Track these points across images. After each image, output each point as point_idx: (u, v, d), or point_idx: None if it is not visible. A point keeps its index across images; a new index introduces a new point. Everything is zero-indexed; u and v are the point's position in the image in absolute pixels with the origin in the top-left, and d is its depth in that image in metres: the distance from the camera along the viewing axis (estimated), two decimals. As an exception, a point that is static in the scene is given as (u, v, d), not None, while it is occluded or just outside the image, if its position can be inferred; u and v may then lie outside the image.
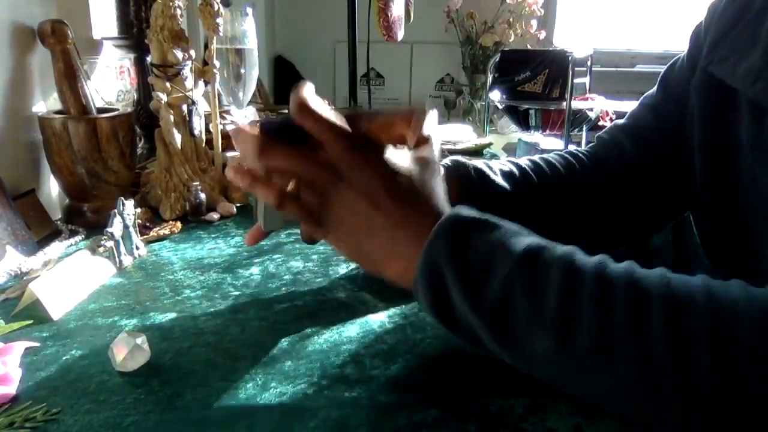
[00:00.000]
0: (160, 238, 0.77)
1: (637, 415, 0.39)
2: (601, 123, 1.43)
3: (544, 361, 0.38)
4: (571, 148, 0.75)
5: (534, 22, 2.05)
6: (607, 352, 0.36)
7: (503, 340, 0.40)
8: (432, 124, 0.50)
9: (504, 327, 0.39)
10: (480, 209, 0.44)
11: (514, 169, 0.64)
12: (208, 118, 0.96)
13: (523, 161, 0.66)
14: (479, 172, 0.61)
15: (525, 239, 0.41)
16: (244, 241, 0.51)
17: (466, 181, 0.60)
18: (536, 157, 0.68)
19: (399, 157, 0.45)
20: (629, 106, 0.71)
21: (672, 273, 0.38)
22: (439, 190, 0.47)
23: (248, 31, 0.96)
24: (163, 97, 0.86)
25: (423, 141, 0.48)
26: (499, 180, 0.61)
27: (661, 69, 0.68)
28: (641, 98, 0.69)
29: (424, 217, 0.43)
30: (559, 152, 0.69)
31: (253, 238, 0.54)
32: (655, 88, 0.68)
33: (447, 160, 0.64)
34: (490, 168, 0.63)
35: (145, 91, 1.15)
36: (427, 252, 0.41)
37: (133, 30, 1.11)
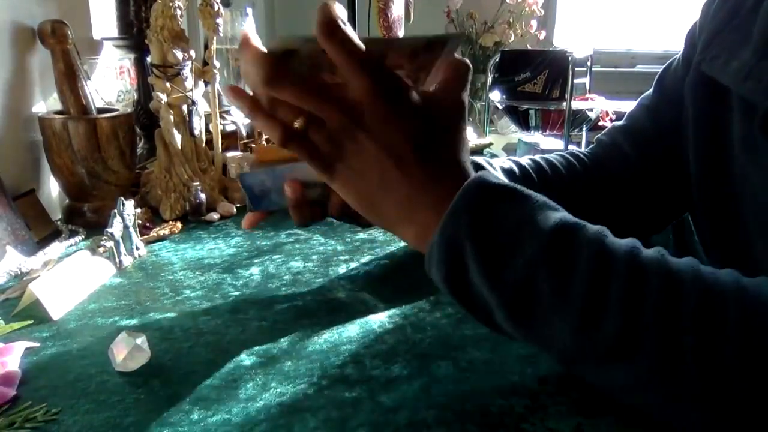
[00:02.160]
0: (160, 238, 0.77)
1: (652, 409, 0.38)
2: (601, 123, 1.43)
3: (563, 344, 0.37)
4: (572, 148, 0.75)
5: (534, 22, 2.05)
6: (632, 342, 0.34)
7: (522, 320, 0.38)
8: (463, 60, 0.43)
9: (525, 307, 0.37)
10: None
11: (515, 167, 0.64)
12: (208, 118, 0.96)
13: (524, 160, 0.66)
14: (478, 167, 0.61)
15: (554, 215, 0.38)
16: (243, 225, 0.49)
17: None
18: (537, 157, 0.68)
19: (430, 105, 0.40)
20: (629, 106, 0.71)
21: (702, 266, 0.36)
22: (464, 143, 0.42)
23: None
24: (163, 97, 0.86)
25: (454, 75, 0.42)
26: (499, 176, 0.61)
27: (661, 69, 0.68)
28: (639, 99, 0.69)
29: (449, 180, 0.39)
30: (560, 152, 0.69)
31: (248, 221, 0.51)
32: (651, 88, 0.68)
33: None
34: (490, 164, 0.62)
35: (145, 91, 1.15)
36: (447, 222, 0.38)
37: (133, 30, 1.11)
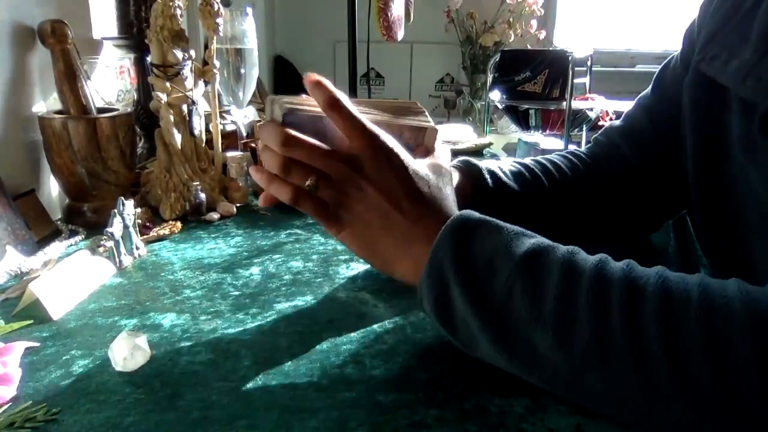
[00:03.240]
0: (160, 238, 0.77)
1: (630, 416, 0.38)
2: (601, 123, 1.43)
3: (542, 361, 0.38)
4: (572, 148, 0.76)
5: (534, 22, 2.05)
6: (603, 352, 0.36)
7: (503, 341, 0.40)
8: (440, 139, 0.53)
9: (504, 327, 0.39)
10: (491, 209, 0.46)
11: (523, 170, 0.65)
12: (208, 118, 0.96)
13: (530, 162, 0.67)
14: (491, 172, 0.63)
15: (528, 240, 0.42)
16: (259, 203, 0.51)
17: (479, 181, 0.62)
18: (541, 158, 0.68)
19: (418, 162, 0.47)
20: (629, 106, 0.71)
21: (669, 272, 0.38)
22: (452, 195, 0.49)
23: (248, 31, 0.96)
24: (163, 97, 0.86)
25: (437, 152, 0.52)
26: (510, 181, 0.63)
27: (658, 69, 0.68)
28: (637, 98, 0.69)
29: (437, 218, 0.45)
30: (561, 153, 0.70)
31: (265, 198, 0.52)
32: (649, 88, 0.68)
33: (456, 161, 0.65)
34: (501, 169, 0.64)
35: (145, 91, 1.15)
36: (433, 253, 0.43)
37: (133, 30, 1.11)
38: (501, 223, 0.44)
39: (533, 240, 0.42)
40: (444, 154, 0.52)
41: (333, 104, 0.44)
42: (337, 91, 0.45)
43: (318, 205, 0.46)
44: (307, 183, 0.46)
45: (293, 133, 0.45)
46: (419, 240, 0.45)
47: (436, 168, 0.49)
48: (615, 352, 0.35)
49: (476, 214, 0.44)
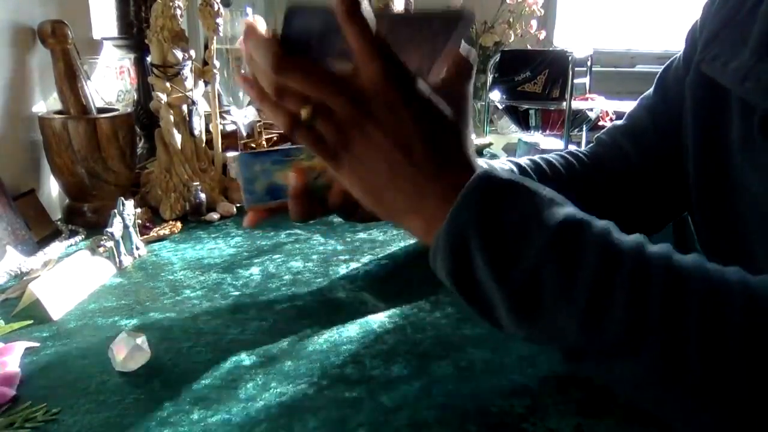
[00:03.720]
0: (160, 238, 0.77)
1: (655, 408, 0.38)
2: (601, 123, 1.43)
3: (569, 339, 0.37)
4: (572, 148, 0.75)
5: (534, 22, 2.05)
6: (636, 338, 0.34)
7: (526, 315, 0.37)
8: (468, 48, 0.43)
9: (530, 302, 0.37)
10: None
11: (515, 169, 0.64)
12: (208, 118, 0.96)
13: (524, 160, 0.66)
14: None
15: (560, 210, 0.38)
16: (243, 224, 0.48)
17: None
18: (536, 157, 0.68)
19: (437, 96, 0.40)
20: (629, 106, 0.71)
21: (707, 262, 0.36)
22: (470, 137, 0.42)
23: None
24: (163, 97, 0.86)
25: (459, 67, 0.42)
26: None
27: (661, 69, 0.68)
28: (639, 99, 0.69)
29: (456, 172, 0.39)
30: (559, 152, 0.69)
31: (249, 220, 0.49)
32: (652, 88, 0.68)
33: None
34: (489, 165, 0.63)
35: (145, 91, 1.15)
36: (454, 215, 0.38)
37: (133, 30, 1.11)
38: (530, 184, 0.39)
39: (566, 210, 0.38)
40: (469, 69, 0.43)
41: (351, 11, 0.35)
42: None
43: (315, 138, 0.39)
44: (302, 115, 0.38)
45: (286, 57, 0.37)
46: (434, 196, 0.39)
47: (458, 97, 0.41)
48: (648, 345, 0.34)
49: (501, 173, 0.39)
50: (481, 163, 0.60)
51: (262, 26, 0.38)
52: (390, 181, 0.40)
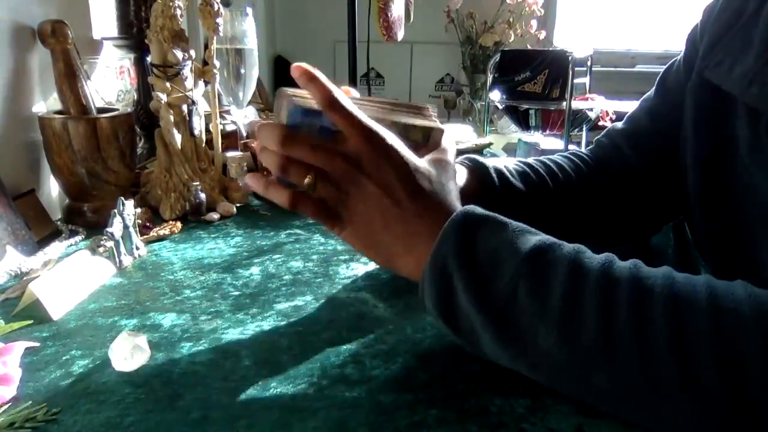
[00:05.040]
0: (160, 238, 0.77)
1: (634, 416, 0.38)
2: (601, 123, 1.43)
3: (546, 358, 0.38)
4: (572, 148, 0.76)
5: (534, 22, 2.06)
6: (609, 350, 0.36)
7: (506, 338, 0.40)
8: (448, 136, 0.52)
9: (508, 324, 0.39)
10: (496, 207, 0.45)
11: (528, 170, 0.65)
12: (208, 118, 0.96)
13: (534, 162, 0.67)
14: (498, 171, 0.64)
15: (533, 237, 0.41)
16: (247, 180, 0.52)
17: (486, 179, 0.62)
18: (545, 159, 0.68)
19: (419, 158, 0.47)
20: (629, 106, 0.71)
21: (676, 272, 0.38)
22: (455, 191, 0.48)
23: (248, 31, 0.96)
24: (163, 97, 0.86)
25: (441, 149, 0.51)
26: (515, 180, 0.63)
27: (661, 69, 0.68)
28: (640, 100, 0.69)
29: (439, 213, 0.44)
30: (564, 154, 0.70)
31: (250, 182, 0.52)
32: (652, 90, 0.68)
33: (463, 158, 0.65)
34: (506, 167, 0.64)
35: (145, 91, 1.15)
36: (436, 248, 0.42)
37: (133, 30, 1.11)
38: (505, 218, 0.43)
39: (538, 237, 0.42)
40: (449, 149, 0.52)
41: (330, 103, 0.44)
42: (334, 88, 0.45)
43: (317, 206, 0.46)
44: (306, 181, 0.45)
45: (291, 131, 0.45)
46: (421, 236, 0.44)
47: (439, 163, 0.49)
48: (622, 351, 0.35)
49: (480, 210, 0.44)
50: (501, 167, 0.65)
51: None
52: (384, 227, 0.45)
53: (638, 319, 0.35)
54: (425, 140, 0.51)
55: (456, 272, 0.41)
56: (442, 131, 0.52)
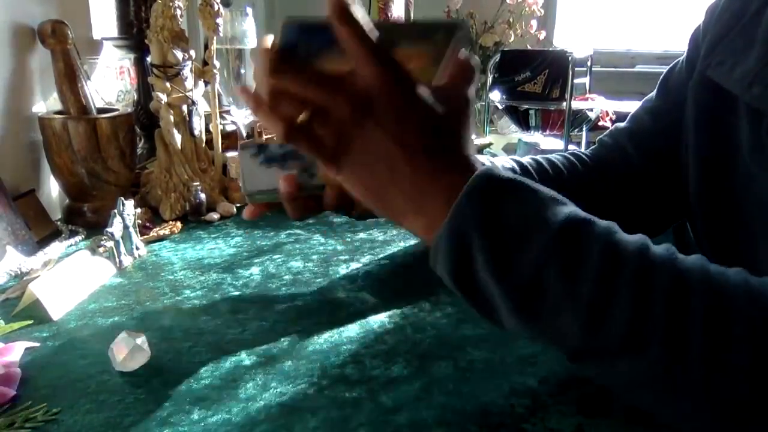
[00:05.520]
0: (160, 238, 0.77)
1: (655, 409, 0.38)
2: (600, 123, 1.43)
3: (571, 339, 0.36)
4: (572, 148, 0.76)
5: (534, 22, 2.05)
6: (639, 338, 0.34)
7: (529, 315, 0.37)
8: (469, 53, 0.43)
9: (532, 302, 0.37)
10: None
11: (516, 168, 0.64)
12: (208, 118, 0.96)
13: (526, 160, 0.66)
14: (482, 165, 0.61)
15: (562, 209, 0.38)
16: (243, 215, 0.48)
17: None
18: (539, 157, 0.68)
19: (437, 99, 0.39)
20: (629, 106, 0.71)
21: (710, 264, 0.36)
22: (471, 138, 0.42)
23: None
24: (163, 97, 0.86)
25: (461, 71, 0.42)
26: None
27: (661, 69, 0.68)
28: (642, 101, 0.69)
29: (457, 171, 0.39)
30: (562, 153, 0.69)
31: (249, 212, 0.49)
32: (655, 90, 0.68)
33: None
34: (492, 163, 0.63)
35: (145, 91, 1.14)
36: (455, 214, 0.37)
37: (133, 30, 1.11)
38: (531, 183, 0.39)
39: (569, 209, 0.38)
40: (470, 74, 0.43)
41: (341, 12, 0.35)
42: (354, 2, 0.36)
43: (314, 142, 0.39)
44: (299, 118, 0.38)
45: (284, 56, 0.37)
46: (435, 195, 0.39)
47: (458, 100, 0.41)
48: (652, 345, 0.34)
49: (501, 171, 0.39)
50: (483, 160, 0.61)
51: (269, 41, 0.38)
52: (390, 181, 0.39)
53: (674, 316, 0.34)
54: (443, 46, 0.42)
55: (478, 243, 0.37)
56: (468, 32, 0.43)
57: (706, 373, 0.33)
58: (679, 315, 0.34)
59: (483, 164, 0.46)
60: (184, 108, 0.88)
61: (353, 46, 0.36)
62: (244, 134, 1.11)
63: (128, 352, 0.46)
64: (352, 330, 0.54)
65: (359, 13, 0.36)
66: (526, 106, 1.41)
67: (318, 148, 0.39)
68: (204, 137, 0.92)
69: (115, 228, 0.66)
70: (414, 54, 0.41)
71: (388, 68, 0.37)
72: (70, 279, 0.60)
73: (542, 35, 2.06)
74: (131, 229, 0.69)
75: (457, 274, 0.39)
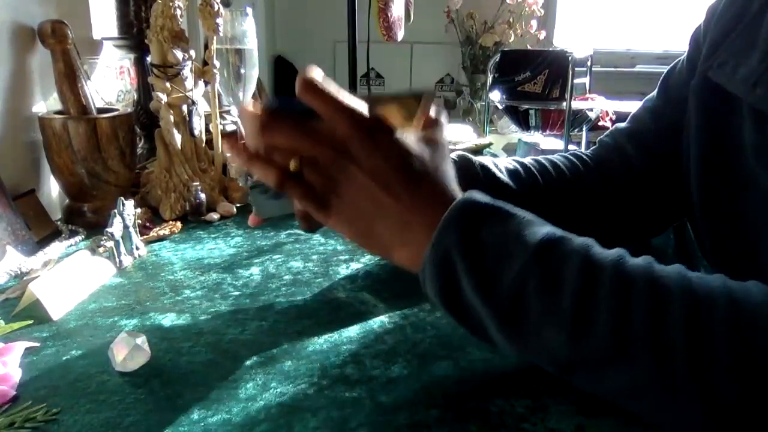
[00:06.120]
0: (160, 238, 0.77)
1: (647, 414, 0.38)
2: (601, 123, 1.42)
3: (557, 354, 0.37)
4: (572, 148, 0.75)
5: (534, 22, 2.05)
6: (623, 351, 0.35)
7: (514, 332, 0.39)
8: (439, 108, 0.48)
9: (517, 319, 0.38)
10: None
11: (519, 168, 0.64)
12: (208, 118, 0.96)
13: (528, 160, 0.66)
14: (484, 168, 0.62)
15: (541, 229, 0.39)
16: (249, 222, 0.53)
17: (471, 176, 0.61)
18: (541, 158, 0.68)
19: (409, 139, 0.43)
20: (629, 106, 0.71)
21: (690, 272, 0.37)
22: (450, 173, 0.45)
23: (248, 31, 0.96)
24: (163, 97, 0.86)
25: (431, 123, 0.46)
26: (504, 178, 0.62)
27: (661, 69, 0.67)
28: (643, 101, 0.69)
29: (436, 201, 0.41)
30: (563, 153, 0.69)
31: (253, 221, 0.56)
32: (655, 90, 0.68)
33: (452, 155, 0.64)
34: (495, 165, 0.63)
35: (145, 91, 1.15)
36: (437, 239, 0.40)
37: (133, 30, 1.11)
38: (510, 207, 0.41)
39: (547, 228, 0.40)
40: (440, 124, 0.47)
41: (307, 86, 0.40)
42: (318, 74, 0.41)
43: (305, 189, 0.43)
44: (291, 166, 0.42)
45: (271, 116, 0.42)
46: (417, 226, 0.41)
47: (431, 142, 0.44)
48: (637, 354, 0.35)
49: (481, 197, 0.41)
50: (487, 163, 0.62)
51: (318, 75, 0.42)
52: (375, 217, 0.42)
53: (655, 322, 0.34)
54: (413, 107, 0.46)
55: (460, 263, 0.39)
56: (431, 96, 0.47)
57: (692, 375, 0.34)
58: (661, 319, 0.34)
59: (483, 171, 0.48)
60: (184, 108, 0.88)
61: (323, 109, 0.41)
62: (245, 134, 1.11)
63: (128, 352, 0.46)
64: (352, 330, 0.54)
65: (320, 81, 0.41)
66: (526, 106, 1.41)
67: (307, 194, 0.43)
68: (204, 137, 0.92)
69: (115, 228, 0.66)
70: (391, 113, 0.46)
71: (355, 117, 0.41)
72: (70, 279, 0.60)
73: (542, 35, 2.06)
74: (131, 229, 0.69)
75: (444, 297, 0.41)
